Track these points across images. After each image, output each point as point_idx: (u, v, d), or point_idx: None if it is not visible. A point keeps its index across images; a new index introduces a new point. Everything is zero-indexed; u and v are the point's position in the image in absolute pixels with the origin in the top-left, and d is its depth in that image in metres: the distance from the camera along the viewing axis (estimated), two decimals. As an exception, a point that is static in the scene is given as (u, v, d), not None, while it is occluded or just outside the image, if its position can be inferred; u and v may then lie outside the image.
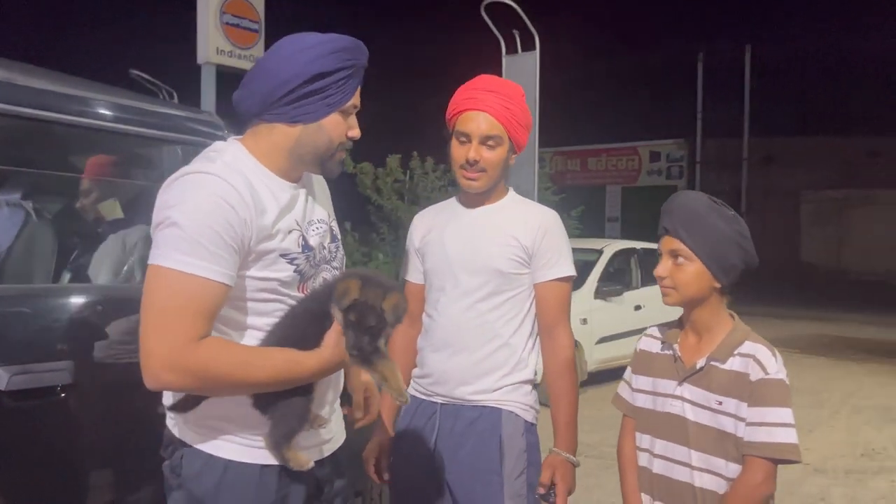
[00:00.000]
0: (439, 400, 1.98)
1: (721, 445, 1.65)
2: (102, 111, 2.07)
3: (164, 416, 1.49)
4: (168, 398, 1.46)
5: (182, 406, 1.40)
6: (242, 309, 1.40)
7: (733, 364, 1.66)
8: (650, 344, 1.86)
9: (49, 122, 1.95)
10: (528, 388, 1.97)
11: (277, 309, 1.42)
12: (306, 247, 1.46)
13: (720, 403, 1.65)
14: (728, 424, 1.64)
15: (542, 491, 1.91)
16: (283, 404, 1.37)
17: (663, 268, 1.72)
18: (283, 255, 1.41)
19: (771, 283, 17.86)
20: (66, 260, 2.53)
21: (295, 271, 1.43)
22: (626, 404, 1.88)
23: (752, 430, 1.61)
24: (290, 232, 1.43)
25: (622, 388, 1.90)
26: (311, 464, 1.42)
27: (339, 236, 1.62)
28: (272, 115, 1.43)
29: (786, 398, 1.61)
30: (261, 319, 1.41)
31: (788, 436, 1.59)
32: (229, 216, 1.31)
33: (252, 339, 1.40)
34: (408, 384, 2.09)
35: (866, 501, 4.44)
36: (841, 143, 21.32)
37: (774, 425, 1.59)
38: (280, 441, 1.38)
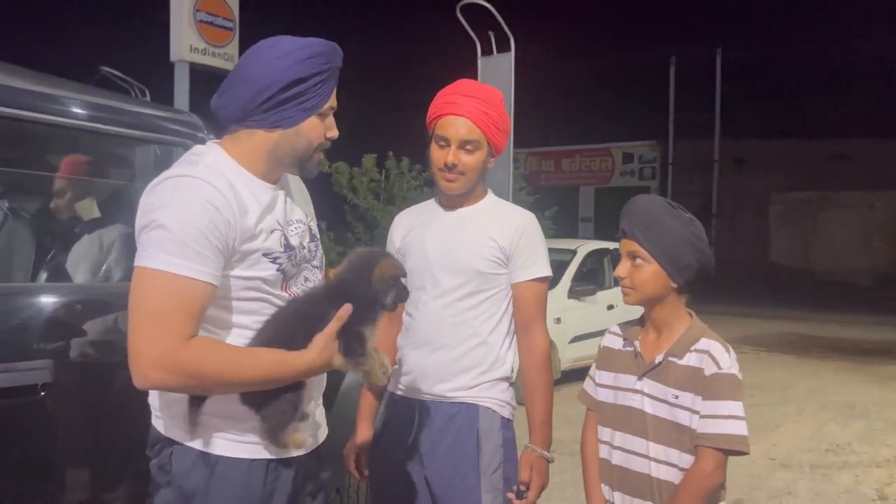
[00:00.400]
0: (419, 397, 2.01)
1: (677, 438, 1.71)
2: (87, 112, 2.07)
3: (146, 415, 1.51)
4: (154, 399, 1.48)
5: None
6: (228, 308, 1.42)
7: (689, 360, 1.72)
8: (613, 341, 1.92)
9: (37, 123, 1.95)
10: (505, 385, 2.02)
11: (262, 307, 1.45)
12: (288, 246, 1.48)
13: (676, 397, 1.72)
14: (684, 417, 1.70)
15: (522, 488, 1.95)
16: (275, 401, 1.40)
17: (622, 269, 1.79)
18: (265, 255, 1.44)
19: (741, 283, 18.22)
20: (43, 259, 2.52)
21: (278, 270, 1.46)
22: (590, 399, 1.94)
23: (704, 422, 1.67)
24: (272, 232, 1.45)
25: (587, 384, 1.97)
26: (310, 440, 1.46)
27: (318, 235, 1.65)
28: (252, 122, 1.45)
29: (737, 392, 1.68)
30: (246, 318, 1.43)
31: (738, 428, 1.65)
32: (214, 218, 1.33)
33: (238, 337, 1.42)
34: (388, 382, 2.12)
35: (831, 495, 4.56)
36: (808, 147, 21.78)
37: (725, 417, 1.65)
38: (275, 427, 1.41)
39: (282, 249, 1.47)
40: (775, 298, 17.00)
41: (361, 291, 1.45)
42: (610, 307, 7.84)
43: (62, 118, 2.01)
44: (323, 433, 1.63)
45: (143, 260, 1.31)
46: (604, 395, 1.89)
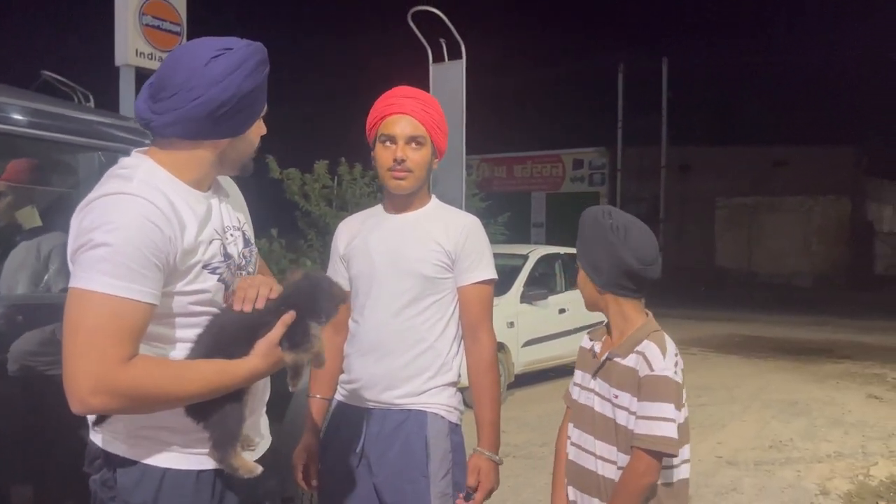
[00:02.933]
0: (366, 405, 2.00)
1: (615, 436, 1.76)
2: (28, 118, 2.02)
3: (85, 431, 1.46)
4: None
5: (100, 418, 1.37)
6: (172, 324, 1.39)
7: (629, 360, 1.77)
8: (585, 341, 1.99)
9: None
10: (453, 390, 2.03)
11: (206, 321, 1.42)
12: (227, 255, 1.46)
13: (617, 397, 1.77)
14: (621, 417, 1.75)
15: (470, 491, 1.96)
16: (218, 413, 1.38)
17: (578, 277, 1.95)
18: (205, 267, 1.40)
19: (688, 286, 18.66)
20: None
21: (219, 280, 1.43)
22: (568, 397, 1.99)
23: (637, 423, 1.71)
24: (211, 242, 1.42)
25: (571, 383, 2.01)
26: (260, 469, 1.42)
27: (252, 240, 1.61)
28: (204, 135, 1.41)
29: (668, 394, 1.70)
30: (192, 332, 1.40)
31: (665, 429, 1.68)
32: (155, 236, 1.29)
33: (185, 351, 1.39)
34: (335, 391, 2.11)
35: (774, 490, 4.70)
36: (750, 153, 22.47)
37: (654, 419, 1.69)
38: (226, 447, 1.39)
39: (221, 259, 1.43)
40: (721, 301, 17.44)
41: (308, 303, 1.44)
42: (561, 311, 7.94)
43: (1, 124, 1.95)
44: (266, 443, 1.62)
45: (78, 281, 1.25)
46: (576, 394, 1.95)
